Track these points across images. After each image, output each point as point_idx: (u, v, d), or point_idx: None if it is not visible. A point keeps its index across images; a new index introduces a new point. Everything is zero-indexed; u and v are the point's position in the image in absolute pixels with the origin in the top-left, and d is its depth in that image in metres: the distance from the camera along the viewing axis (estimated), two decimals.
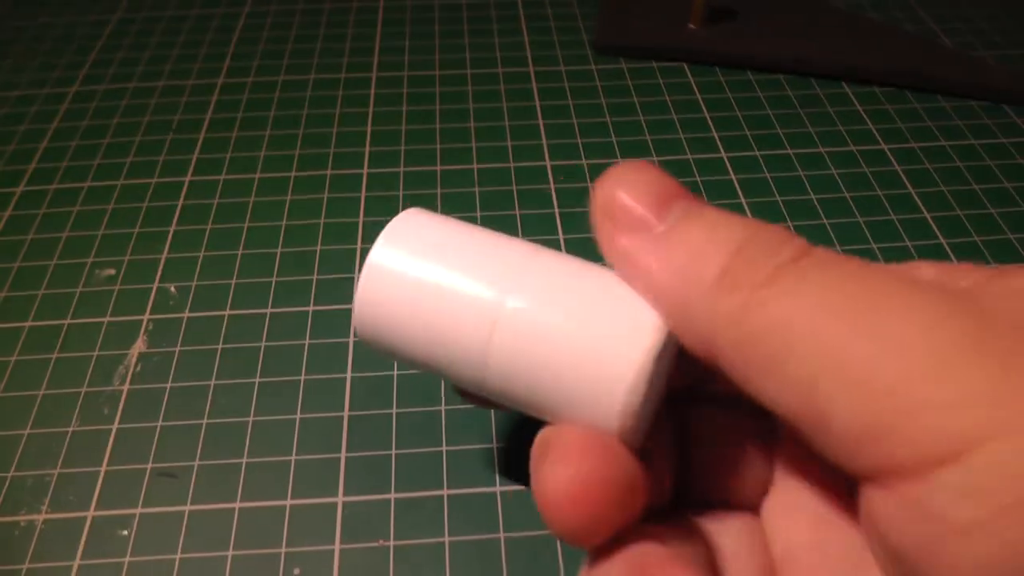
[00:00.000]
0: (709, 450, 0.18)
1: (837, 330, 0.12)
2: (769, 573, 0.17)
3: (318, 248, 0.36)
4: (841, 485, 0.16)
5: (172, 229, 0.38)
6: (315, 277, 0.35)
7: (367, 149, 0.42)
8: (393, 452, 0.29)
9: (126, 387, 0.31)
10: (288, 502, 0.28)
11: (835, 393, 0.12)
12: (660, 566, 0.15)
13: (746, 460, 0.18)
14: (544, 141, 0.42)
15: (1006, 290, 0.12)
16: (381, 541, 0.27)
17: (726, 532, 0.18)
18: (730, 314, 0.13)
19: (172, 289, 0.35)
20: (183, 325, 0.33)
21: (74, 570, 0.26)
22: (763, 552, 0.17)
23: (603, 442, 0.15)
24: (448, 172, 0.40)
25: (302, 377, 0.31)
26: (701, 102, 0.45)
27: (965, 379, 0.11)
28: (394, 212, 0.38)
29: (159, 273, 0.35)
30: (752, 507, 0.18)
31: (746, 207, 0.38)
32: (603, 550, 0.15)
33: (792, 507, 0.17)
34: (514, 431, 0.29)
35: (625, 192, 0.16)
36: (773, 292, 0.13)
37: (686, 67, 0.47)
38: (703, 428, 0.19)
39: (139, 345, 0.33)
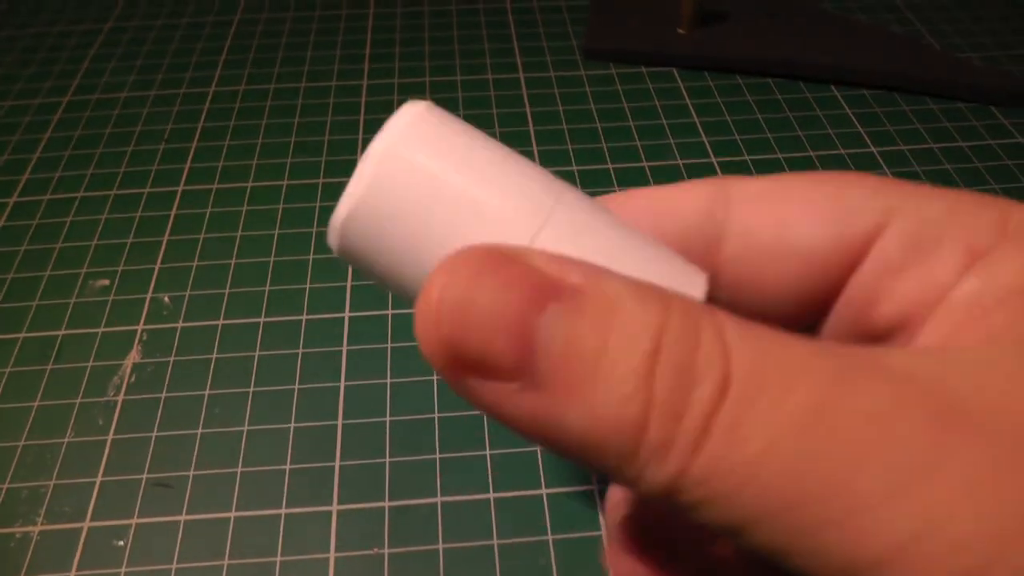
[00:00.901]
0: None
1: (804, 489, 0.10)
2: None
3: (311, 257, 0.36)
4: None
5: (165, 239, 0.38)
6: (308, 286, 0.35)
7: (359, 156, 0.42)
8: (387, 460, 0.29)
9: (121, 397, 0.31)
10: (283, 511, 0.28)
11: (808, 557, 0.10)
12: None
13: None
14: (534, 147, 0.42)
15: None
16: (376, 549, 0.27)
17: None
18: (667, 484, 0.11)
19: (166, 299, 0.35)
20: (177, 335, 0.33)
21: None
22: None
23: None
24: None
25: (296, 386, 0.31)
26: (690, 107, 0.45)
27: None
28: None
29: (153, 283, 0.36)
30: None
31: None
32: None
33: None
34: (508, 438, 0.30)
35: (469, 343, 0.11)
36: (710, 456, 0.10)
37: (675, 72, 0.48)
38: None
39: (133, 355, 0.33)
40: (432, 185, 0.13)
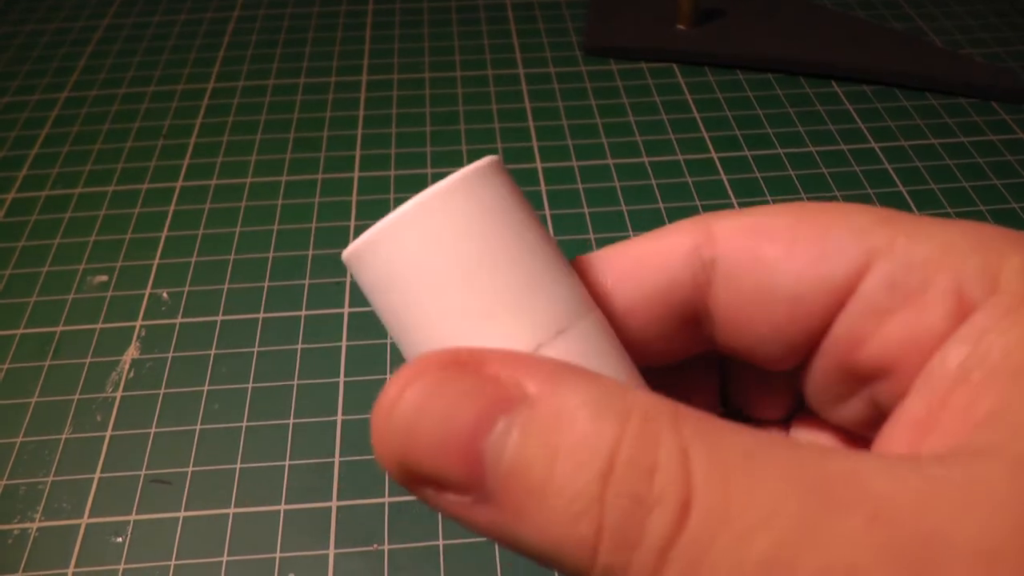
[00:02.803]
0: (733, 369, 0.19)
1: None
2: None
3: (310, 252, 0.36)
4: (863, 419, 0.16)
5: (164, 235, 0.38)
6: (307, 281, 0.35)
7: (358, 152, 0.42)
8: None
9: (119, 394, 0.31)
10: (282, 507, 0.28)
11: None
12: None
13: (768, 382, 0.18)
14: (534, 143, 0.42)
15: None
16: (376, 545, 0.27)
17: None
18: None
19: (164, 295, 0.35)
20: (176, 331, 0.33)
21: None
22: None
23: None
24: (439, 175, 0.40)
25: (295, 382, 0.31)
26: (691, 102, 0.45)
27: None
28: (385, 214, 0.38)
29: (151, 279, 0.35)
30: (779, 424, 0.18)
31: (736, 207, 0.38)
32: None
33: (815, 428, 0.17)
34: None
35: (420, 459, 0.11)
36: None
37: (675, 68, 0.48)
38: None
39: (132, 351, 0.33)
40: (449, 260, 0.13)
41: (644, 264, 0.15)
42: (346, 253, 0.14)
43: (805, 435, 0.18)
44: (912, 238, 0.13)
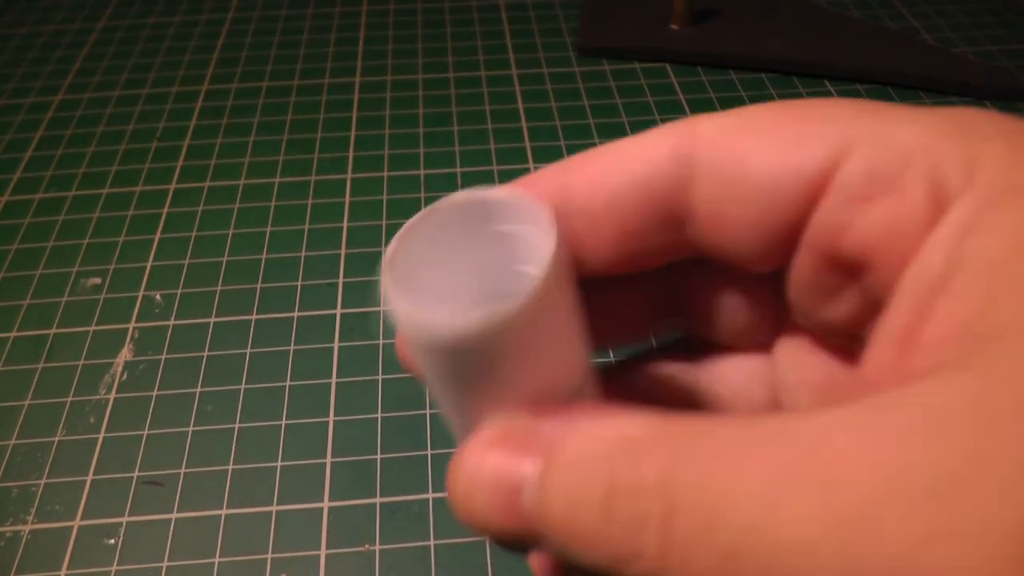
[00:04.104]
0: (710, 296, 0.18)
1: None
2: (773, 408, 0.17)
3: (303, 254, 0.36)
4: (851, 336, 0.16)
5: (157, 237, 0.38)
6: (300, 283, 0.35)
7: (351, 154, 0.42)
8: (378, 457, 0.29)
9: (112, 396, 0.31)
10: (274, 508, 0.28)
11: None
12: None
13: (751, 302, 0.18)
14: (527, 144, 0.42)
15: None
16: (367, 546, 0.27)
17: (733, 369, 0.18)
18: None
19: (158, 297, 0.35)
20: (169, 333, 0.33)
21: None
22: (768, 388, 0.18)
23: None
24: (432, 176, 0.40)
25: (287, 383, 0.31)
26: (684, 102, 0.45)
27: None
28: (379, 217, 0.38)
29: (144, 281, 0.35)
30: (764, 347, 0.18)
31: None
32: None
33: (803, 350, 0.17)
34: None
35: (484, 524, 0.14)
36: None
37: (668, 67, 0.48)
38: (702, 281, 0.19)
39: (125, 353, 0.33)
40: (531, 348, 0.14)
41: (628, 157, 0.15)
42: (455, 336, 0.13)
43: (791, 359, 0.17)
44: (893, 123, 0.13)
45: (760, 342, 0.18)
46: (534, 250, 0.15)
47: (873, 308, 0.14)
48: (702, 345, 0.19)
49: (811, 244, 0.14)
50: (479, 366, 0.14)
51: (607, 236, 0.16)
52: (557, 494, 0.12)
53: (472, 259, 0.16)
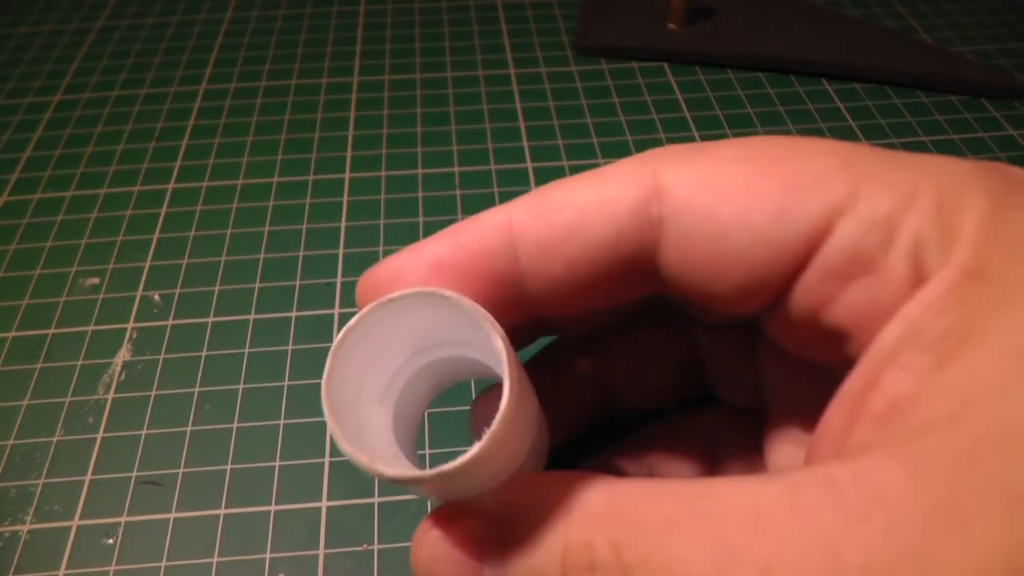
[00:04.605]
0: (711, 355, 0.19)
1: None
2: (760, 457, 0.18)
3: (301, 254, 0.36)
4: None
5: (156, 237, 0.38)
6: (298, 283, 0.35)
7: (349, 153, 0.42)
8: None
9: (111, 396, 0.31)
10: (272, 508, 0.28)
11: None
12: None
13: (741, 362, 0.18)
14: (525, 143, 0.42)
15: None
16: (365, 545, 0.27)
17: (723, 421, 0.19)
18: None
19: (156, 297, 0.35)
20: (167, 333, 0.33)
21: None
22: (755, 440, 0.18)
23: None
24: (429, 176, 0.40)
25: (285, 383, 0.31)
26: (682, 101, 0.45)
27: None
28: (376, 216, 0.38)
29: (143, 281, 0.36)
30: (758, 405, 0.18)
31: None
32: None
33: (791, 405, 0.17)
34: None
35: None
36: None
37: (666, 67, 0.48)
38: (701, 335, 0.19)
39: (123, 353, 0.33)
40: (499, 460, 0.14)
41: (586, 217, 0.14)
42: (433, 476, 0.14)
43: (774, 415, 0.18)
44: (875, 186, 0.13)
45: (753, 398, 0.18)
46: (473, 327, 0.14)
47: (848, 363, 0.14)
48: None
49: (794, 308, 0.14)
50: (427, 491, 0.14)
51: (570, 297, 0.15)
52: (519, 573, 0.13)
53: (409, 329, 0.15)
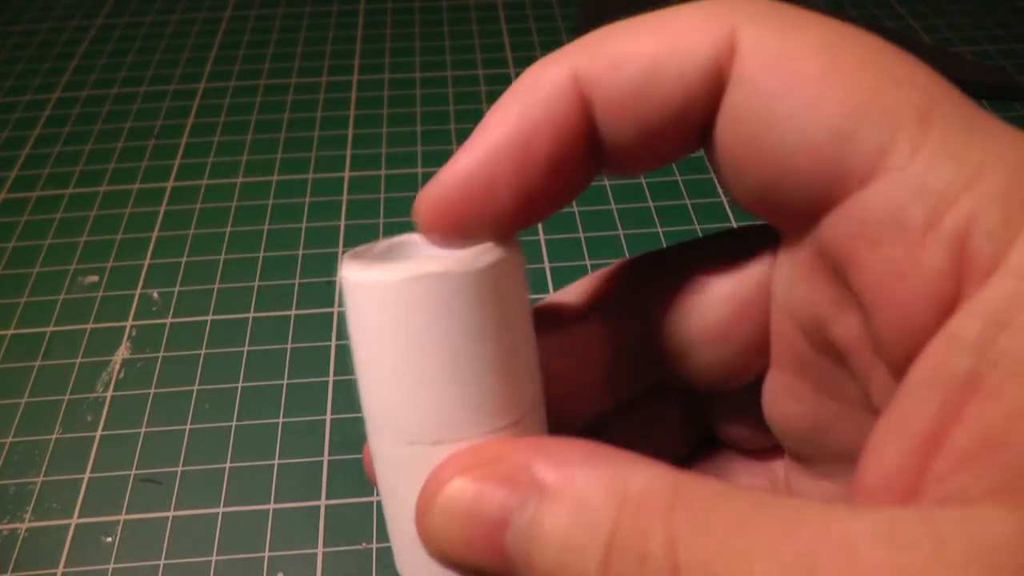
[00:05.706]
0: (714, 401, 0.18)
1: None
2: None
3: (300, 252, 0.36)
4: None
5: (155, 235, 0.38)
6: (297, 281, 0.35)
7: (348, 152, 0.42)
8: None
9: (109, 394, 0.31)
10: (271, 506, 0.28)
11: None
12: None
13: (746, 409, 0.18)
14: None
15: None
16: (364, 544, 0.27)
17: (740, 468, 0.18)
18: None
19: (155, 295, 0.35)
20: (166, 331, 0.33)
21: None
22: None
23: None
24: (429, 175, 0.40)
25: (285, 381, 0.31)
26: None
27: None
28: (376, 215, 0.38)
29: (142, 279, 0.35)
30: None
31: (725, 203, 0.38)
32: None
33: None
34: None
35: (453, 555, 0.13)
36: None
37: None
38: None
39: (122, 351, 0.33)
40: (455, 333, 0.13)
41: (657, 77, 0.13)
42: (357, 279, 0.13)
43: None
44: (937, 154, 0.11)
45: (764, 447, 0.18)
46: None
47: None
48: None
49: (806, 241, 0.13)
50: (434, 322, 0.13)
51: (625, 155, 0.14)
52: (550, 542, 0.11)
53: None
